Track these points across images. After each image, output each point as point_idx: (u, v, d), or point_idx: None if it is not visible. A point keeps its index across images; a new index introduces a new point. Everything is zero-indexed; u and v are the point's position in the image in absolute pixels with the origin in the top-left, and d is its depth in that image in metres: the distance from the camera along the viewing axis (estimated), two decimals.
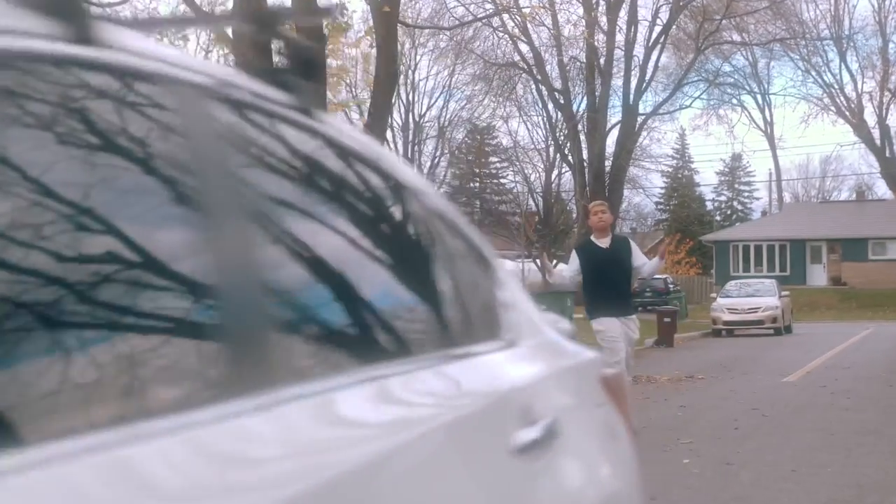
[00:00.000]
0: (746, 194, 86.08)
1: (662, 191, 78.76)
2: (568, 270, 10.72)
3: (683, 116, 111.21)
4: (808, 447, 9.24)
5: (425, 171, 73.65)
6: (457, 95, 63.36)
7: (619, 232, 11.70)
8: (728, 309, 31.78)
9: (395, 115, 71.67)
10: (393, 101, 21.78)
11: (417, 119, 72.64)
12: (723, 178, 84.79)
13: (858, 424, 10.69)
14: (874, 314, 45.81)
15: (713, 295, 37.00)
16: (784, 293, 33.30)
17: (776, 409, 12.18)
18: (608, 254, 10.25)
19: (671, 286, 52.21)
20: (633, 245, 10.57)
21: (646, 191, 52.65)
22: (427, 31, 48.86)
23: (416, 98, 72.00)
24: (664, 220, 78.75)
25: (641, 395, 13.95)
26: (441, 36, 46.48)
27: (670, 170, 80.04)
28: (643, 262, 10.47)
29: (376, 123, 18.08)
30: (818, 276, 55.68)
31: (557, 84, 41.61)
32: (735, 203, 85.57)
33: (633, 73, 40.51)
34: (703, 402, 13.01)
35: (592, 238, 10.55)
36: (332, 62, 20.71)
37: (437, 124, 71.23)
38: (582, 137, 40.62)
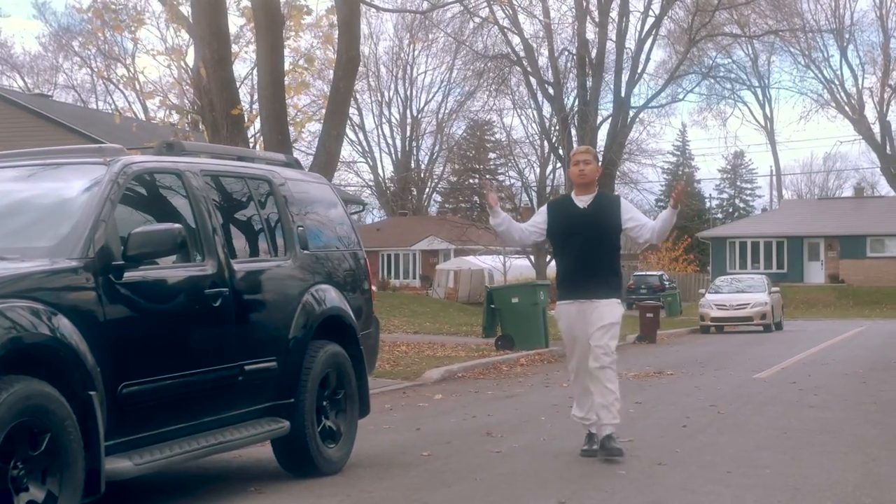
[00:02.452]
0: (749, 192, 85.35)
1: (663, 187, 78.00)
2: (525, 224, 8.44)
3: (683, 112, 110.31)
4: (753, 447, 8.54)
5: (423, 166, 73.20)
6: (455, 91, 62.54)
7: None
8: (716, 305, 31.00)
9: (394, 110, 71.42)
10: (355, 86, 21.04)
11: (416, 114, 72.21)
12: (725, 176, 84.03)
13: (818, 423, 10.00)
14: (871, 312, 45.09)
15: (702, 291, 36.20)
16: (774, 289, 32.53)
17: (735, 406, 11.49)
18: (584, 215, 8.01)
19: (666, 283, 51.59)
20: (625, 204, 8.23)
21: (637, 185, 51.57)
22: (424, 25, 48.22)
23: (413, 93, 71.65)
24: None
25: None
26: (437, 30, 45.83)
27: (670, 166, 79.32)
28: (642, 222, 8.16)
29: (337, 110, 17.37)
30: (816, 273, 54.89)
31: (550, 76, 40.82)
32: (737, 201, 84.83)
33: (624, 65, 39.71)
34: (662, 399, 12.33)
35: (572, 195, 8.26)
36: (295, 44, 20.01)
37: (435, 119, 70.72)
38: (573, 131, 39.84)
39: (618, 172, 43.72)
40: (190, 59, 20.14)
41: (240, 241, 7.13)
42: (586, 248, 7.97)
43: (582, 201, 8.10)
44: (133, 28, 19.07)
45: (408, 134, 72.47)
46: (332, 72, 18.59)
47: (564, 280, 8.10)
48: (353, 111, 67.38)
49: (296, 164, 8.38)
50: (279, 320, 7.16)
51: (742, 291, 31.68)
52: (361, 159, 72.38)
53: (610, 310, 7.93)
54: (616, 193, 10.29)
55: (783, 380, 14.65)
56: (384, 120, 71.96)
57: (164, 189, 6.59)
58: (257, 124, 20.09)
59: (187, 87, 25.26)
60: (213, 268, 6.56)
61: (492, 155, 68.54)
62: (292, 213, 7.63)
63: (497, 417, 10.78)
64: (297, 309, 7.31)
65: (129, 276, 5.87)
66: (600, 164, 8.35)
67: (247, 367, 6.76)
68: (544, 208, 8.40)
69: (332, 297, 7.74)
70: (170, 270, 6.28)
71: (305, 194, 7.98)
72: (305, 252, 7.61)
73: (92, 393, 5.45)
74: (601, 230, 8.01)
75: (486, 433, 9.53)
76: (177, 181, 6.61)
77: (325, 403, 7.55)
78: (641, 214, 8.34)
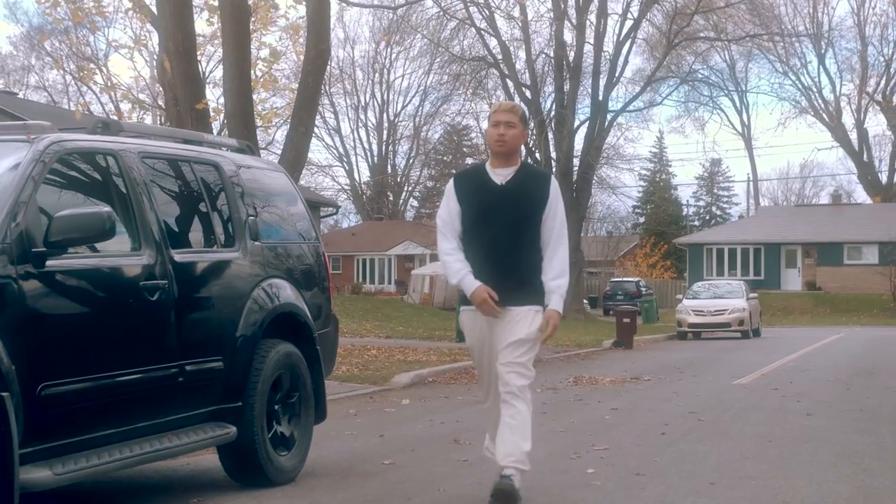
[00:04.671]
0: (725, 199, 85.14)
1: (640, 194, 77.77)
2: (443, 223, 6.09)
3: (660, 117, 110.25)
4: (737, 455, 8.02)
5: (399, 171, 72.64)
6: (432, 95, 62.05)
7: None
8: (694, 311, 30.53)
9: (371, 114, 70.83)
10: (331, 88, 20.48)
11: (392, 118, 71.61)
12: (702, 183, 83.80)
13: (803, 431, 9.49)
14: (849, 319, 44.79)
15: (679, 296, 35.74)
16: (752, 295, 32.11)
17: (715, 412, 10.97)
18: (501, 194, 6.01)
19: (643, 289, 51.22)
20: (555, 190, 6.07)
21: (615, 190, 51.31)
22: (401, 28, 47.76)
23: (390, 97, 71.06)
24: (641, 223, 77.74)
25: (574, 397, 12.76)
26: (414, 32, 45.39)
27: (648, 173, 79.05)
28: (548, 239, 6.02)
29: (305, 105, 16.80)
30: (793, 280, 54.59)
31: (527, 79, 40.38)
32: (714, 208, 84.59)
33: (602, 68, 39.34)
34: (639, 405, 11.80)
35: (486, 166, 6.15)
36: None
37: (412, 124, 70.21)
38: (550, 135, 39.41)
39: (595, 177, 43.37)
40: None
41: (182, 230, 6.55)
42: (501, 237, 5.97)
43: (499, 175, 6.05)
44: (95, 20, 18.45)
45: (384, 138, 71.94)
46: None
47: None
48: (329, 115, 66.94)
49: (248, 151, 7.80)
50: (226, 316, 6.59)
51: (720, 297, 31.26)
52: (337, 163, 71.87)
53: (524, 322, 5.93)
54: (548, 171, 7.20)
55: (764, 386, 14.16)
56: (360, 124, 71.49)
57: (96, 171, 6.00)
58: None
59: (158, 85, 24.65)
60: (150, 257, 5.99)
61: (469, 159, 68.06)
62: (243, 201, 7.07)
63: (466, 424, 10.22)
64: (246, 304, 6.74)
65: (53, 264, 5.29)
66: (530, 128, 6.33)
67: (188, 368, 6.19)
68: (451, 184, 6.19)
69: (286, 293, 7.17)
70: (100, 259, 5.69)
71: (258, 182, 7.42)
72: (257, 244, 7.04)
73: (4, 394, 4.86)
74: (522, 215, 5.99)
75: (453, 440, 8.98)
76: (112, 163, 6.03)
77: (276, 407, 6.98)
78: (560, 222, 6.08)
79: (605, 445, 8.51)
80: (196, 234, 6.73)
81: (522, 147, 6.37)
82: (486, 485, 6.84)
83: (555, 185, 6.12)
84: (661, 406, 11.67)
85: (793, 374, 16.29)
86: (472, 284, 5.96)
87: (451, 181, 6.21)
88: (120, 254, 5.84)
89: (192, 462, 7.91)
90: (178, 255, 6.23)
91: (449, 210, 6.09)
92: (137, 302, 5.84)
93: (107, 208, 5.42)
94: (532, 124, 40.73)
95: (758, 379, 15.40)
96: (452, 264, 6.02)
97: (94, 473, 5.46)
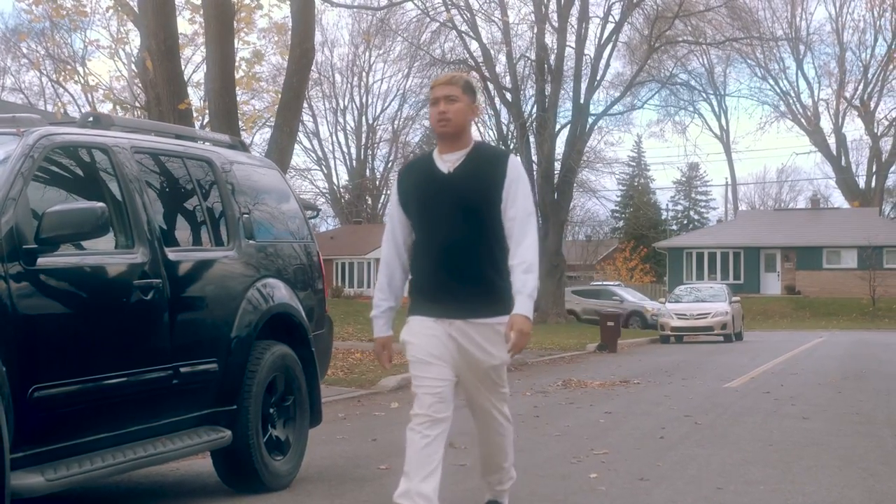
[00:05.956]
0: (703, 204, 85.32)
1: (619, 198, 77.81)
2: (389, 232, 5.25)
3: (640, 121, 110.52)
4: (740, 460, 7.87)
5: (378, 174, 72.39)
6: (411, 99, 61.91)
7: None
8: (676, 314, 30.40)
9: (349, 117, 70.59)
10: (309, 90, 20.29)
11: (371, 122, 71.39)
12: (679, 188, 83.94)
13: (802, 435, 9.35)
14: (828, 323, 44.87)
15: (661, 300, 35.64)
16: (735, 299, 32.05)
17: (711, 416, 10.82)
18: (448, 183, 5.05)
19: None
20: (514, 170, 5.05)
21: (596, 194, 51.30)
22: (382, 31, 47.55)
23: (369, 101, 70.83)
24: (619, 227, 77.80)
25: (566, 401, 12.59)
26: (395, 35, 45.19)
27: (626, 177, 79.14)
28: (512, 233, 5.00)
29: (290, 105, 16.59)
30: (772, 284, 54.67)
31: (508, 82, 40.27)
32: (691, 213, 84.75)
33: (584, 71, 39.21)
34: (632, 409, 11.64)
35: (434, 154, 5.17)
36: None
37: (391, 127, 69.99)
38: (531, 138, 39.29)
39: (575, 181, 43.28)
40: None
41: (176, 228, 6.35)
42: (453, 236, 5.00)
43: (446, 162, 5.09)
44: (74, 18, 18.19)
45: (363, 142, 71.67)
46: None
47: (422, 286, 5.15)
48: (308, 118, 66.58)
49: (241, 147, 7.60)
50: (220, 317, 6.38)
51: (702, 301, 31.14)
52: (316, 167, 71.57)
53: (497, 340, 5.06)
54: (505, 149, 6.18)
55: (755, 389, 14.02)
56: (339, 128, 71.21)
57: (88, 166, 5.79)
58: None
59: (137, 86, 24.39)
60: (144, 256, 5.77)
61: None
62: (236, 198, 6.86)
63: (459, 427, 9.88)
64: (240, 305, 6.54)
65: (44, 262, 5.08)
66: (476, 101, 5.23)
67: (182, 370, 5.98)
68: (395, 184, 5.33)
69: (280, 293, 6.97)
70: (93, 257, 5.48)
71: (252, 180, 7.21)
72: (251, 242, 6.84)
73: None
74: (474, 206, 5.01)
75: (448, 444, 8.76)
76: (103, 157, 5.82)
77: (271, 411, 6.78)
78: (522, 212, 5.02)
79: (604, 450, 8.34)
80: (189, 231, 6.52)
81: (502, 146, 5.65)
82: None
83: (514, 165, 5.08)
84: (655, 409, 11.51)
85: (782, 377, 16.17)
86: (377, 331, 5.33)
87: (396, 179, 5.33)
88: (112, 252, 5.64)
89: (181, 467, 7.70)
90: (172, 254, 6.03)
91: (391, 218, 5.26)
92: (131, 301, 5.63)
93: (100, 204, 5.20)
94: (513, 127, 40.63)
95: (748, 382, 15.27)
96: (375, 295, 5.36)
97: (86, 479, 5.24)
